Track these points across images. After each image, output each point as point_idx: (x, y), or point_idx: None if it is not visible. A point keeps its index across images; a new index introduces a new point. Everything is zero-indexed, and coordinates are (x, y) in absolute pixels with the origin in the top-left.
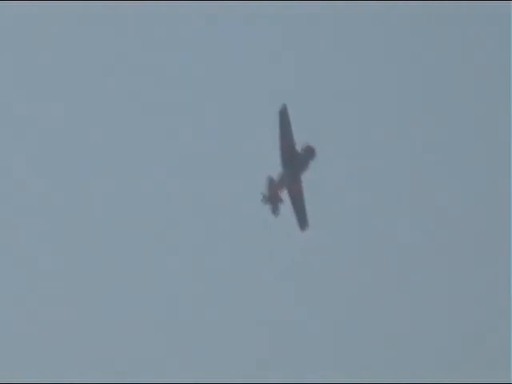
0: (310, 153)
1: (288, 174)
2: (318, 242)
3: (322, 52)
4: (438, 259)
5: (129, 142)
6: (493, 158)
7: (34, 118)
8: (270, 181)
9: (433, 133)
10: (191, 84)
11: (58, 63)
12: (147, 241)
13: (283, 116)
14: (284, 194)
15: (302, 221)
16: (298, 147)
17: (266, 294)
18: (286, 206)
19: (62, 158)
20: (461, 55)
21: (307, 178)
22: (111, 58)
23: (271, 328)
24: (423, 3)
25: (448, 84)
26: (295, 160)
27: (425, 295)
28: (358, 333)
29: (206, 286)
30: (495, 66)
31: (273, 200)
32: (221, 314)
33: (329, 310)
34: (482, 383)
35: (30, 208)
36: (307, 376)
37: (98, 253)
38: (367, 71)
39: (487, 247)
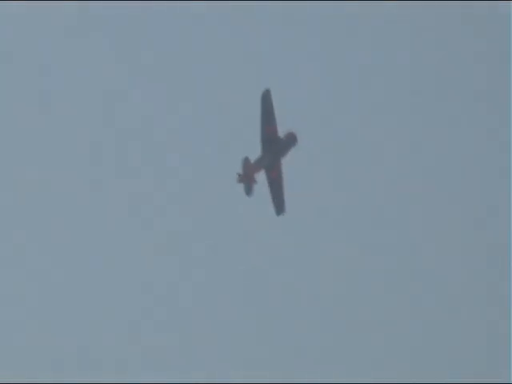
0: (291, 139)
1: (267, 157)
2: (294, 228)
3: (314, 45)
4: (427, 251)
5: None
6: (491, 158)
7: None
8: (246, 161)
9: (427, 128)
10: (178, 72)
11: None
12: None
13: (266, 100)
14: (260, 176)
15: (279, 206)
16: (281, 133)
17: (240, 283)
18: (262, 189)
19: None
20: (461, 55)
21: (288, 162)
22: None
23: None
24: (423, 3)
25: (447, 84)
26: (276, 145)
27: (422, 293)
28: (352, 331)
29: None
30: (495, 65)
31: (247, 180)
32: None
33: (309, 302)
34: (482, 383)
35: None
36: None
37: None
38: (363, 66)
39: (485, 242)
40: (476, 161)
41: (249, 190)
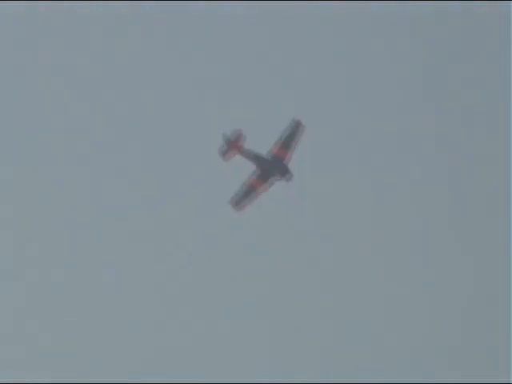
0: (287, 174)
1: (261, 164)
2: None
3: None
4: (427, 251)
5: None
6: (491, 159)
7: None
8: (239, 132)
9: (430, 136)
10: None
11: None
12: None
13: (296, 130)
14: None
15: (237, 199)
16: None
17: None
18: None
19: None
20: (460, 55)
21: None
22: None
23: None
24: (422, 3)
25: (447, 84)
26: (278, 168)
27: (422, 293)
28: (351, 331)
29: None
30: (495, 66)
31: (229, 146)
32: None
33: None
34: (482, 383)
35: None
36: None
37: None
38: (365, 72)
39: (484, 239)
40: (475, 161)
41: (224, 154)
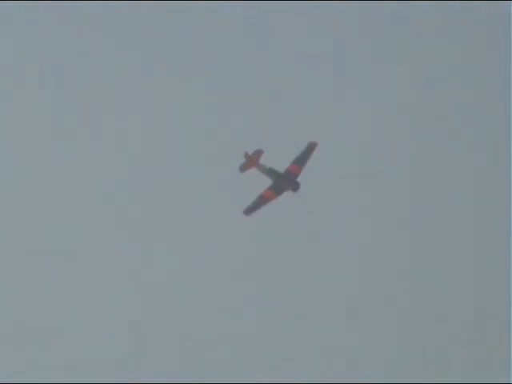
0: (295, 185)
1: (275, 179)
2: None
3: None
4: (431, 256)
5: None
6: (491, 160)
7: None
8: (259, 151)
9: (430, 134)
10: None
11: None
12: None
13: (309, 150)
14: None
15: (250, 208)
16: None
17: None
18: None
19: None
20: (461, 55)
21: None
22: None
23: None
24: (423, 3)
25: (447, 84)
26: (287, 181)
27: (423, 293)
28: (351, 331)
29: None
30: (495, 66)
31: (248, 161)
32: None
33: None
34: (482, 383)
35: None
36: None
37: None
38: (366, 71)
39: (485, 242)
40: (475, 162)
41: (243, 168)
